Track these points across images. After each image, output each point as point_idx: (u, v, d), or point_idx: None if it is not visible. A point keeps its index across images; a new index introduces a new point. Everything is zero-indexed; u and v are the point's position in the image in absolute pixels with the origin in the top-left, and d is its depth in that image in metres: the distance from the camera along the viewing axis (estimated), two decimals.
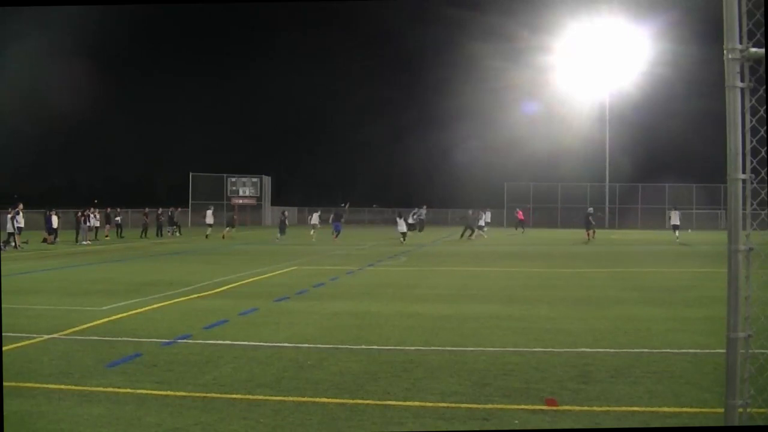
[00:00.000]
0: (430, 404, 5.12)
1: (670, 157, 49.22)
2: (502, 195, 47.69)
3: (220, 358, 6.61)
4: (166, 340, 7.41)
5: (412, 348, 7.06)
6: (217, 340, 7.45)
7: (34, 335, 7.61)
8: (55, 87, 48.62)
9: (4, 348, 6.43)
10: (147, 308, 9.71)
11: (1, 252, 20.87)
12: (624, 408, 5.01)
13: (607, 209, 47.74)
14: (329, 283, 13.00)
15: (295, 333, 7.88)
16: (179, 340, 7.41)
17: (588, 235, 29.90)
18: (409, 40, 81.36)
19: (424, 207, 37.42)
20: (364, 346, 7.15)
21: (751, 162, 3.47)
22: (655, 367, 6.23)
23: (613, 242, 29.01)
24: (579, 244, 27.33)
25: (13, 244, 22.58)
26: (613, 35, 43.56)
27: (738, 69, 3.41)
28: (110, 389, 5.50)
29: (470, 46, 54.11)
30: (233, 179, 49.80)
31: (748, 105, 3.43)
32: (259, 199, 50.67)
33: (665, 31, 42.14)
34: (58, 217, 26.83)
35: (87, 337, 7.65)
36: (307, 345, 7.20)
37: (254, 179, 50.37)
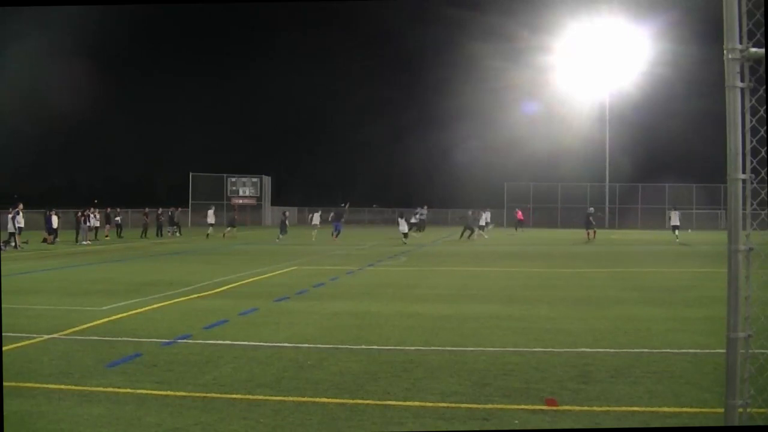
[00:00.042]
0: (430, 404, 5.12)
1: (670, 157, 49.24)
2: (502, 195, 47.68)
3: (220, 358, 6.61)
4: (166, 340, 7.41)
5: (412, 348, 7.06)
6: (217, 340, 7.45)
7: (34, 335, 7.61)
8: (55, 87, 48.64)
9: (4, 348, 6.43)
10: (147, 308, 9.71)
11: (1, 252, 20.87)
12: (624, 408, 5.01)
13: (607, 209, 47.74)
14: (329, 283, 13.01)
15: (295, 333, 7.88)
16: (179, 340, 7.41)
17: (588, 235, 29.92)
18: (409, 40, 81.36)
19: (425, 207, 37.45)
20: (364, 346, 7.15)
21: (751, 162, 3.47)
22: (655, 367, 6.23)
23: (613, 242, 29.01)
24: (579, 244, 27.34)
25: (13, 244, 22.59)
26: (613, 35, 43.57)
27: (738, 69, 3.41)
28: (110, 389, 5.50)
29: (470, 46, 54.12)
30: (233, 179, 49.85)
31: (748, 105, 3.43)
32: (259, 199, 50.70)
33: (665, 31, 42.19)
34: (58, 217, 26.83)
35: (87, 337, 7.65)
36: (307, 345, 7.20)
37: (254, 179, 50.40)
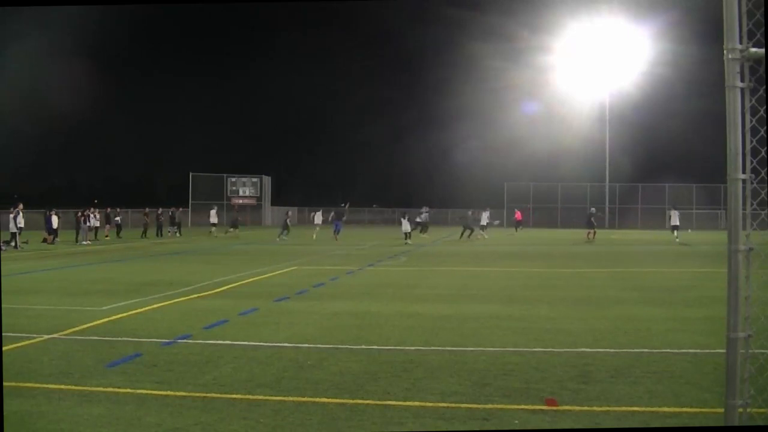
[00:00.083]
0: (430, 404, 5.11)
1: (670, 157, 49.29)
2: (502, 195, 47.69)
3: (220, 358, 6.61)
4: (166, 340, 7.41)
5: (412, 348, 7.06)
6: (217, 340, 7.45)
7: (34, 335, 7.61)
8: (55, 87, 48.69)
9: (4, 348, 6.43)
10: (147, 308, 9.71)
11: (1, 252, 20.87)
12: (624, 408, 5.01)
13: (607, 209, 47.75)
14: (329, 283, 13.01)
15: (295, 333, 7.87)
16: (179, 340, 7.41)
17: (588, 235, 29.92)
18: (409, 40, 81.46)
19: (426, 208, 37.44)
20: (364, 346, 7.15)
21: (751, 162, 3.47)
22: (655, 367, 6.22)
23: (613, 242, 29.01)
24: (579, 244, 27.34)
25: (13, 243, 22.59)
26: (613, 35, 43.59)
27: (738, 69, 3.41)
28: (110, 389, 5.49)
29: (470, 46, 54.20)
30: (233, 179, 49.87)
31: (748, 105, 3.43)
32: (259, 199, 50.71)
33: (665, 31, 42.23)
34: (58, 217, 26.82)
35: (87, 337, 7.65)
36: (307, 345, 7.20)
37: (254, 179, 50.42)
